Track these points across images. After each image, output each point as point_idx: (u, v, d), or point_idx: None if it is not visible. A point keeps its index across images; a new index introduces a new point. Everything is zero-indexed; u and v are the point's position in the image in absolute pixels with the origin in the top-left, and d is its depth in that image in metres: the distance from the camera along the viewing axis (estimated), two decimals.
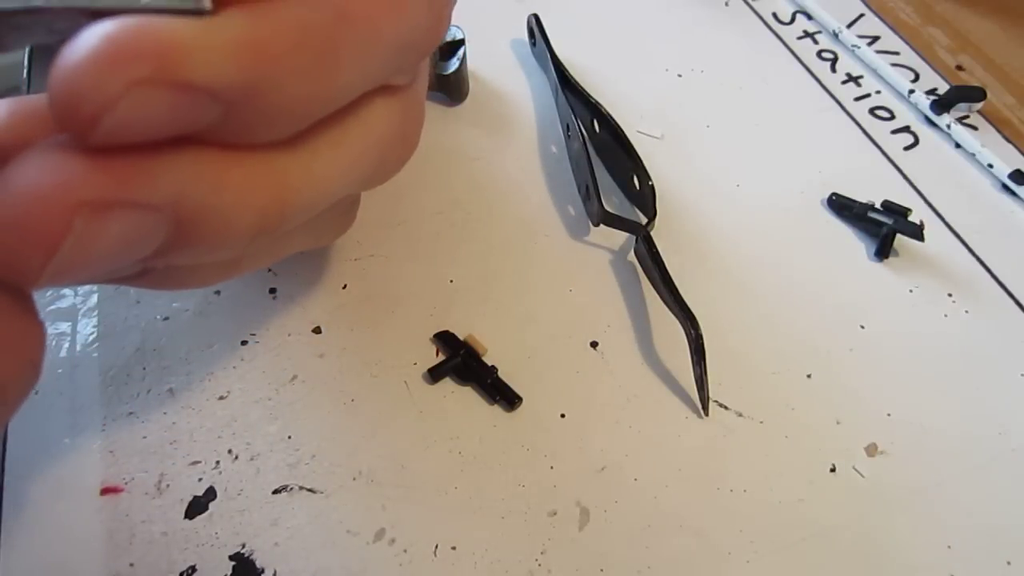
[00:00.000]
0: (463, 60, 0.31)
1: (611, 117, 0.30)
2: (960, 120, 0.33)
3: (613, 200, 0.30)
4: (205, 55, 0.12)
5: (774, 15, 0.38)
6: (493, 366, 0.25)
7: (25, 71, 0.32)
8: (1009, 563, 0.22)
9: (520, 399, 0.24)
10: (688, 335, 0.25)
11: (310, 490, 0.22)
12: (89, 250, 0.12)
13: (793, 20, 0.38)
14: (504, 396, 0.24)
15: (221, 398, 0.24)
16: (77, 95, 0.11)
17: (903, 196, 0.30)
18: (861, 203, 0.29)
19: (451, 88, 0.32)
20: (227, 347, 0.25)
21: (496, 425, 0.24)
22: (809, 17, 0.38)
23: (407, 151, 0.19)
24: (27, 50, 0.33)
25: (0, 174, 0.12)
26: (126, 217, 0.12)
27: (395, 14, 0.14)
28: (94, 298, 0.26)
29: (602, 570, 0.21)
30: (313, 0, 0.13)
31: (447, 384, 0.24)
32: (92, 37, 0.11)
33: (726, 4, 0.38)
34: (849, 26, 0.37)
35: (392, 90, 0.17)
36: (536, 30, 0.34)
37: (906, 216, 0.29)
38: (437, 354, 0.25)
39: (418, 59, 0.17)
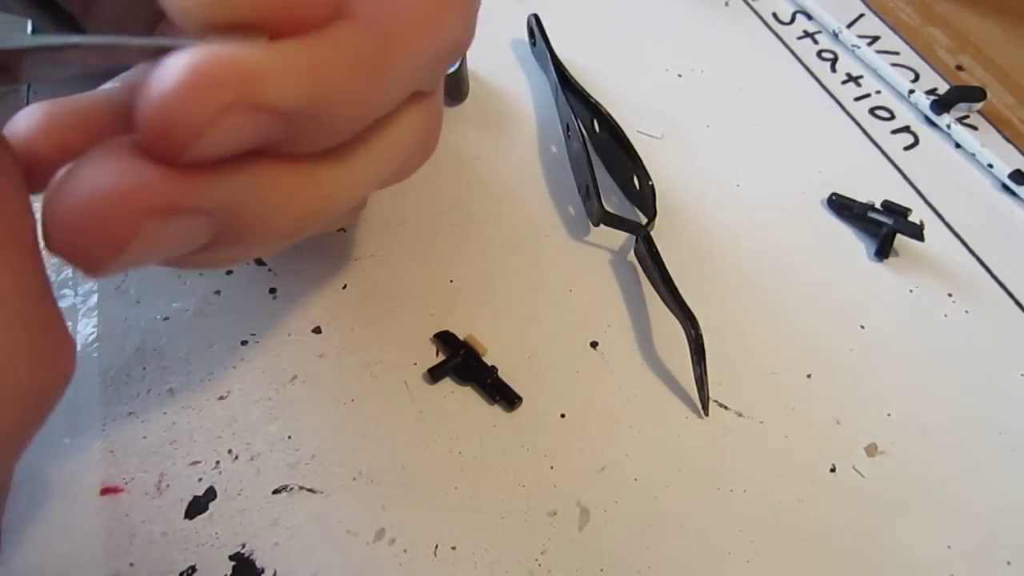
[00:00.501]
0: (463, 60, 0.31)
1: (611, 117, 0.30)
2: (960, 120, 0.33)
3: (613, 200, 0.30)
4: (278, 79, 0.13)
5: (774, 15, 0.38)
6: (493, 366, 0.25)
7: None
8: (1009, 563, 0.22)
9: (520, 399, 0.24)
10: (688, 335, 0.25)
11: (310, 490, 0.22)
12: (149, 248, 0.13)
13: (793, 20, 0.38)
14: (504, 396, 0.24)
15: (221, 398, 0.24)
16: (171, 123, 0.12)
17: (903, 196, 0.30)
18: (861, 203, 0.29)
19: (451, 88, 0.32)
20: (227, 347, 0.25)
21: (496, 425, 0.24)
22: (809, 17, 0.38)
23: (428, 153, 0.20)
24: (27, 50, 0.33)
25: (70, 173, 0.12)
26: (186, 220, 0.13)
27: (434, 31, 0.15)
28: (94, 298, 0.26)
29: (602, 570, 0.21)
30: (361, 23, 0.14)
31: (447, 384, 0.24)
32: (178, 66, 0.12)
33: (726, 4, 0.38)
34: (849, 26, 0.37)
35: (419, 97, 0.18)
36: (536, 30, 0.34)
37: (906, 216, 0.29)
38: (437, 354, 0.25)
39: (446, 68, 0.18)
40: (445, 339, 0.25)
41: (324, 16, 0.14)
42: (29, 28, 0.28)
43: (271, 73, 0.12)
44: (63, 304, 0.25)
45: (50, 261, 0.27)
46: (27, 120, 0.15)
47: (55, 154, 0.15)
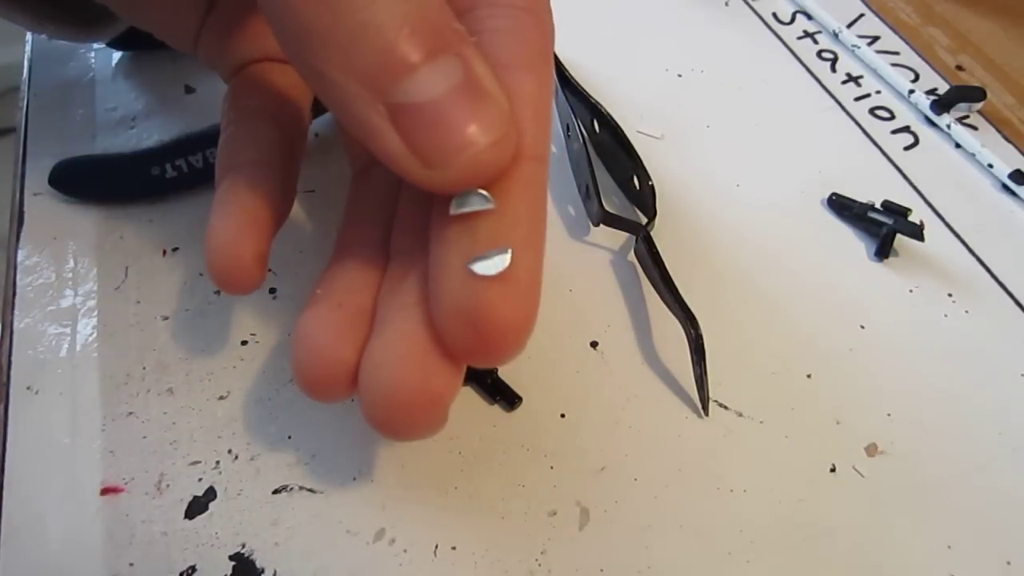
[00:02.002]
0: None
1: (611, 117, 0.30)
2: (960, 120, 0.33)
3: (613, 200, 0.30)
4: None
5: (774, 15, 0.38)
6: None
7: (25, 71, 0.32)
8: (1009, 563, 0.22)
9: (520, 399, 0.24)
10: (688, 335, 0.25)
11: (310, 490, 0.22)
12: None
13: (793, 20, 0.38)
14: (504, 396, 0.24)
15: (221, 398, 0.24)
16: (500, 349, 0.15)
17: (903, 196, 0.30)
18: (861, 203, 0.29)
19: None
20: (227, 347, 0.25)
21: (496, 425, 0.24)
22: (809, 17, 0.38)
23: None
24: (27, 51, 0.33)
25: (388, 367, 0.15)
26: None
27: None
28: (94, 298, 0.26)
29: (602, 570, 0.21)
30: (528, 158, 0.16)
31: None
32: (492, 316, 0.14)
33: (726, 4, 0.38)
34: (849, 26, 0.37)
35: None
36: None
37: (906, 216, 0.29)
38: None
39: None
40: None
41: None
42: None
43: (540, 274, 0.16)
44: (63, 304, 0.26)
45: (49, 262, 0.27)
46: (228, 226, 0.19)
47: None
